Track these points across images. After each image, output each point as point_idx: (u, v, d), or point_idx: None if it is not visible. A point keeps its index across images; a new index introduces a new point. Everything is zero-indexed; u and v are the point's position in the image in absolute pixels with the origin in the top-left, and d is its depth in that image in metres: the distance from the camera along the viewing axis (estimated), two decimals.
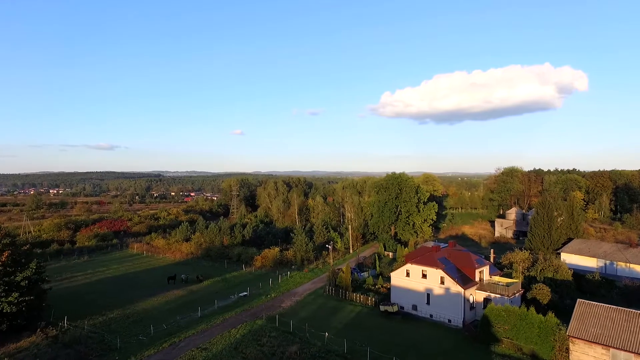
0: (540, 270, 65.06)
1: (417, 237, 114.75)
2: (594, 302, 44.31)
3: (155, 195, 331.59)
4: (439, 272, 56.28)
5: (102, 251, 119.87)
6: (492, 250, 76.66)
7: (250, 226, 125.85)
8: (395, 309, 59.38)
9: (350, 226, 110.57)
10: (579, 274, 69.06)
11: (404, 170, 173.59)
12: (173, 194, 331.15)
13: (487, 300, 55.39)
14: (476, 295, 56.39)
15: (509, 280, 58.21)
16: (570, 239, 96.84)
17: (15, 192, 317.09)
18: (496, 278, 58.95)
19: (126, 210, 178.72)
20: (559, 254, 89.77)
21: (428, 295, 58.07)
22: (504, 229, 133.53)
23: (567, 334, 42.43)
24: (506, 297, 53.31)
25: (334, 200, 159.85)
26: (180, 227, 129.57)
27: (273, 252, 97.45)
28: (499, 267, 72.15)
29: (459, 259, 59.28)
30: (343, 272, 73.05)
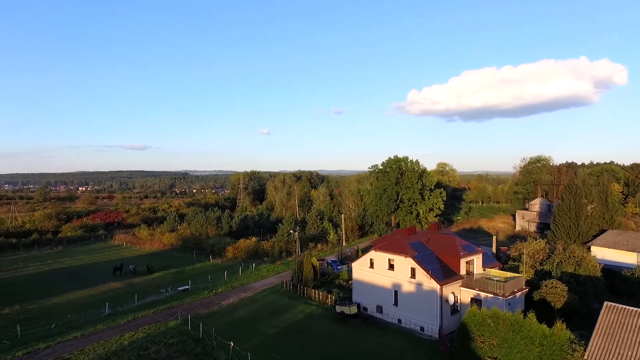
0: (558, 264, 47.32)
1: (421, 227, 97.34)
2: (631, 308, 27.09)
3: (177, 192, 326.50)
4: (409, 262, 40.01)
5: (84, 242, 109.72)
6: (494, 237, 59.10)
7: (238, 217, 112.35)
8: (354, 310, 43.54)
9: (343, 216, 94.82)
10: (613, 270, 51.06)
11: (431, 168, 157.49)
12: (195, 191, 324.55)
13: (475, 301, 38.74)
14: (461, 294, 39.75)
15: (509, 274, 41.19)
16: (603, 231, 77.37)
17: (47, 189, 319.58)
18: (492, 271, 42.03)
19: (130, 203, 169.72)
20: (589, 247, 71.07)
21: (396, 292, 41.87)
22: (525, 221, 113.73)
23: (586, 357, 25.60)
24: (501, 297, 36.50)
25: (340, 191, 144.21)
26: (167, 218, 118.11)
27: (248, 242, 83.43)
28: (503, 260, 54.87)
29: (439, 245, 42.73)
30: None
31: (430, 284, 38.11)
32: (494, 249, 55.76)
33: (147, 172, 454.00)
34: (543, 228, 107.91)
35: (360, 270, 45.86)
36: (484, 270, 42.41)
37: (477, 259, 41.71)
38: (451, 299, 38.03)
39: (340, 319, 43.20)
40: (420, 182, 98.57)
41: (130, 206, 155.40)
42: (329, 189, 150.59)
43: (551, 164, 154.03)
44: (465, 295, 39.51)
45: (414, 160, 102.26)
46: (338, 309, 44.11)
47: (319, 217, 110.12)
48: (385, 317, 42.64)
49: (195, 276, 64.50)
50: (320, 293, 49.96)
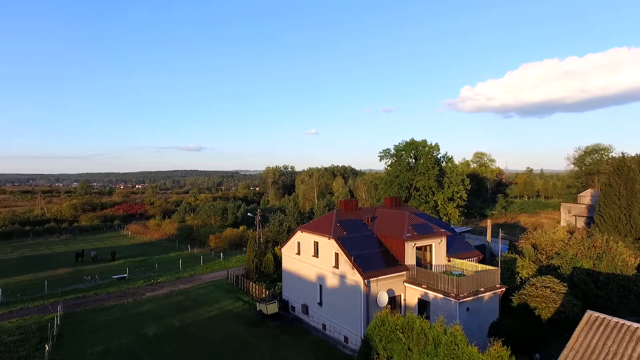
0: (572, 257, 32.92)
1: (439, 219, 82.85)
2: (628, 323, 13.81)
3: (223, 189, 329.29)
4: (332, 244, 28.28)
5: (95, 231, 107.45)
6: (488, 221, 44.66)
7: (244, 208, 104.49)
8: (272, 309, 32.43)
9: None
10: None
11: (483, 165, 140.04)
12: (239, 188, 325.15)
13: (424, 304, 26.24)
14: (407, 293, 27.32)
15: (482, 267, 27.94)
16: None
17: (107, 187, 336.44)
18: (459, 262, 29.01)
19: (159, 197, 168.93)
20: None
21: (320, 287, 30.27)
22: (572, 216, 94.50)
23: None
24: (452, 299, 23.85)
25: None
26: (178, 209, 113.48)
27: (233, 232, 74.83)
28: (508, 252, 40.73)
29: (385, 224, 30.41)
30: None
31: (353, 276, 26.18)
32: (488, 238, 41.68)
33: (200, 171, 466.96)
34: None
35: (288, 257, 34.66)
36: (449, 260, 29.53)
37: (437, 245, 28.87)
38: (383, 299, 25.72)
39: (258, 320, 32.40)
40: (438, 168, 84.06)
41: (157, 199, 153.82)
42: (353, 181, 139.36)
43: (612, 154, 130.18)
44: (411, 294, 27.04)
45: (432, 144, 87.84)
46: (258, 307, 33.32)
47: (327, 207, 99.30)
48: (310, 320, 31.15)
49: (158, 264, 56.54)
50: (257, 287, 39.35)
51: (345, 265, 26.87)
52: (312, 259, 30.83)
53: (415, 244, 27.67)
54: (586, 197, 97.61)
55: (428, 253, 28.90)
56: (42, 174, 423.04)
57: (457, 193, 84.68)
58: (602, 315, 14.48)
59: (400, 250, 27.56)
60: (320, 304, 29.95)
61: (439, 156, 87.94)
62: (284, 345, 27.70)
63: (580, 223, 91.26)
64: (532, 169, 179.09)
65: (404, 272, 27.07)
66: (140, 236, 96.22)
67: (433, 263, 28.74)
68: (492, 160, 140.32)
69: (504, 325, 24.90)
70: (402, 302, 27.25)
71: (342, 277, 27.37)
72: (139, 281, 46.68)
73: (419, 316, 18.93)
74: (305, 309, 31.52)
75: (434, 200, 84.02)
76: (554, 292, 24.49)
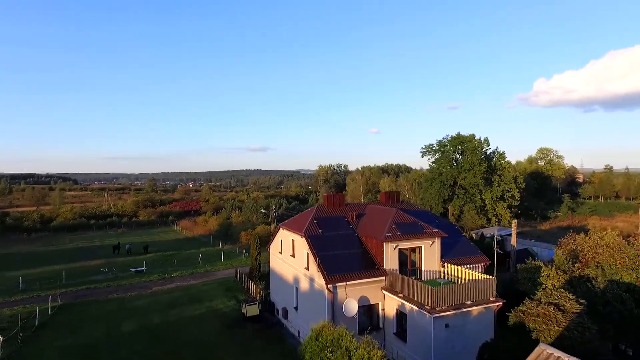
0: (609, 269, 26.56)
1: (487, 221, 75.40)
2: None
3: (283, 187, 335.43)
4: (304, 243, 25.14)
5: (150, 226, 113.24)
6: (514, 222, 37.90)
7: (285, 205, 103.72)
8: (253, 311, 29.99)
9: None
10: None
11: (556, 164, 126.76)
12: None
13: (402, 316, 22.24)
14: (385, 302, 23.43)
15: (478, 275, 23.07)
16: None
17: (177, 185, 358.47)
18: (453, 268, 24.38)
19: (215, 195, 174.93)
20: None
21: (296, 290, 27.23)
22: None
23: None
24: (426, 313, 19.69)
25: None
26: (225, 206, 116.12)
27: (263, 228, 73.78)
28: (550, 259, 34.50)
29: (369, 221, 26.57)
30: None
31: (319, 279, 22.88)
32: (513, 242, 35.39)
33: (264, 170, 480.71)
34: None
35: (274, 256, 32.04)
36: (444, 265, 25.02)
37: (428, 247, 24.53)
38: (351, 308, 22.12)
39: (239, 321, 30.20)
40: (486, 164, 76.35)
41: (212, 196, 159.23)
42: (405, 179, 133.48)
43: None
44: (390, 303, 23.11)
45: (481, 139, 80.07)
46: (242, 308, 31.11)
47: None
48: (289, 326, 28.25)
49: (185, 259, 57.40)
50: (254, 286, 37.28)
51: (314, 267, 23.67)
52: (290, 258, 27.97)
53: (397, 246, 23.66)
54: None
55: (418, 256, 24.71)
56: (124, 174, 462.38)
57: (509, 192, 76.38)
58: (557, 353, 10.12)
59: (379, 252, 23.74)
60: (296, 308, 26.98)
61: (488, 152, 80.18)
62: (252, 352, 25.15)
63: None
64: (611, 167, 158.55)
65: (382, 278, 23.23)
66: (188, 232, 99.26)
67: (423, 268, 24.51)
68: (560, 157, 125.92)
69: (499, 347, 20.25)
70: (381, 312, 23.43)
71: (312, 281, 24.20)
72: (152, 275, 46.88)
73: (351, 332, 15.41)
74: (285, 313, 28.71)
75: (482, 200, 76.46)
76: (560, 310, 19.22)
